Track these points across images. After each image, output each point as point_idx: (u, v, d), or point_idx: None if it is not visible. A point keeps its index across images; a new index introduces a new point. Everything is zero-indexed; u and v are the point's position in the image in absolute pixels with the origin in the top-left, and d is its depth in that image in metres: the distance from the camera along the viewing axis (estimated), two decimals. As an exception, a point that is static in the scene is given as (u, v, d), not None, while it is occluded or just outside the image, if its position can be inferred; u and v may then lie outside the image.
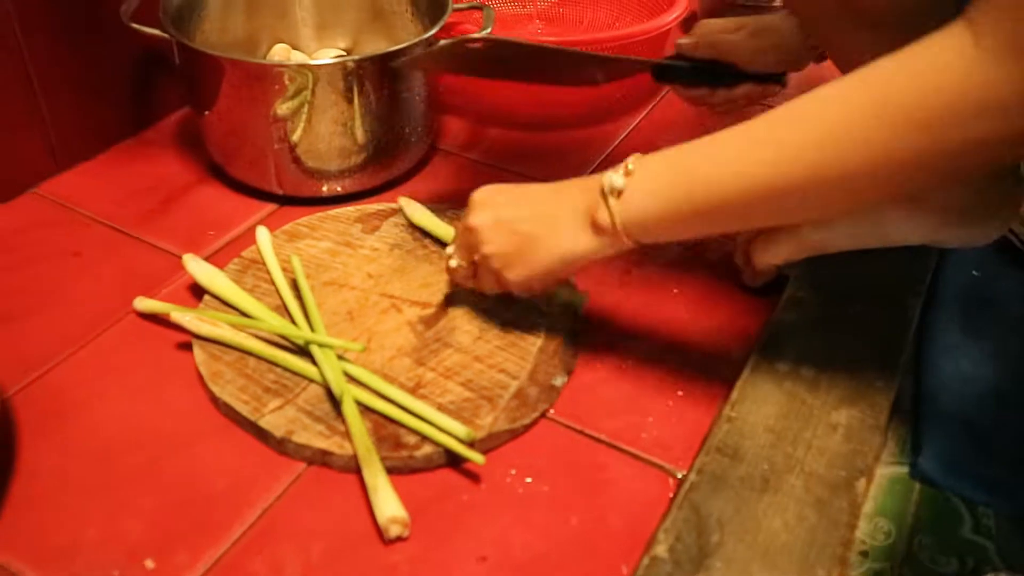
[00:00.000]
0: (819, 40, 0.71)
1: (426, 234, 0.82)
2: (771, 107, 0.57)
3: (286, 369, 0.67)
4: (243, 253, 0.79)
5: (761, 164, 0.55)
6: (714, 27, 0.85)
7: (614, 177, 0.60)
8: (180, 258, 0.77)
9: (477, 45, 0.79)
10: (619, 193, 0.60)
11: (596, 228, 0.62)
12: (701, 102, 0.87)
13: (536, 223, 0.64)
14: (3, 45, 0.82)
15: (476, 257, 0.68)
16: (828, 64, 0.78)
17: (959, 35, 0.48)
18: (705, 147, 0.58)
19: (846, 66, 0.71)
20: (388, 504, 0.58)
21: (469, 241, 0.67)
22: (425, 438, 0.63)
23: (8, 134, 0.85)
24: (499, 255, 0.65)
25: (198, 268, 0.75)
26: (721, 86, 0.85)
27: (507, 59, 0.82)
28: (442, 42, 0.82)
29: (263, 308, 0.73)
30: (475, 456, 0.61)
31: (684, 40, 0.85)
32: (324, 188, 0.88)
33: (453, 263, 0.71)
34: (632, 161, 0.60)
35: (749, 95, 0.85)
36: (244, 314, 0.72)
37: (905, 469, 0.71)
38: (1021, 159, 0.67)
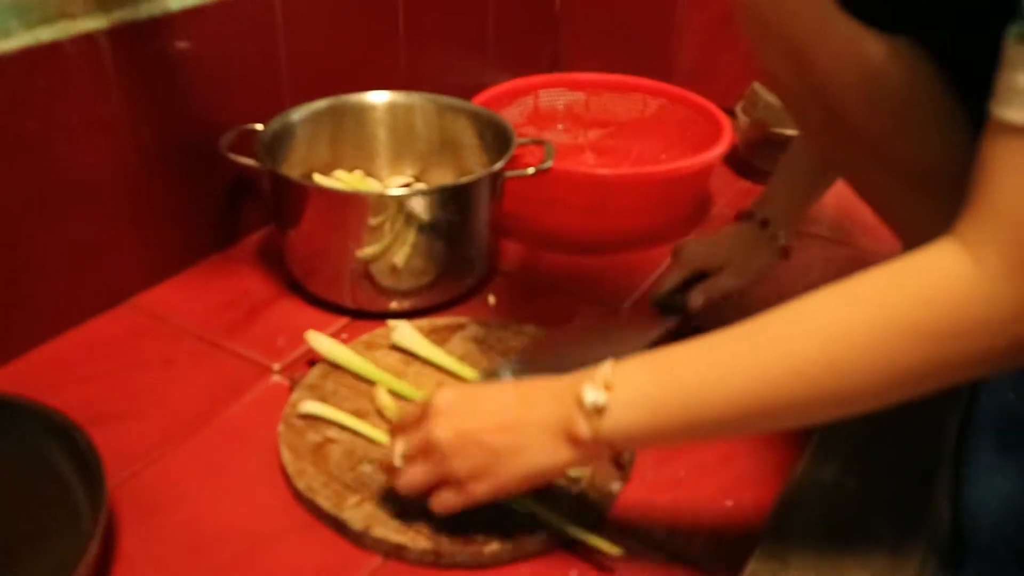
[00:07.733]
0: (853, 186, 0.78)
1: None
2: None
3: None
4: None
5: (755, 380, 0.54)
6: (696, 257, 0.92)
7: (593, 392, 0.57)
8: (263, 365, 0.84)
9: None
10: (600, 410, 0.57)
11: (574, 441, 0.59)
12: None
13: (504, 435, 0.61)
14: (123, 181, 0.92)
15: (436, 470, 0.63)
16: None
17: (954, 255, 0.50)
18: (690, 359, 0.57)
19: (880, 209, 0.77)
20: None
21: (430, 454, 0.63)
22: (498, 537, 0.67)
23: (111, 252, 0.94)
24: (465, 469, 0.61)
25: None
26: None
27: None
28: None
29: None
30: (610, 549, 0.66)
31: (695, 301, 0.90)
32: (394, 304, 0.95)
33: (401, 469, 0.64)
34: (610, 373, 0.58)
35: None
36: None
37: (947, 583, 0.74)
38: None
